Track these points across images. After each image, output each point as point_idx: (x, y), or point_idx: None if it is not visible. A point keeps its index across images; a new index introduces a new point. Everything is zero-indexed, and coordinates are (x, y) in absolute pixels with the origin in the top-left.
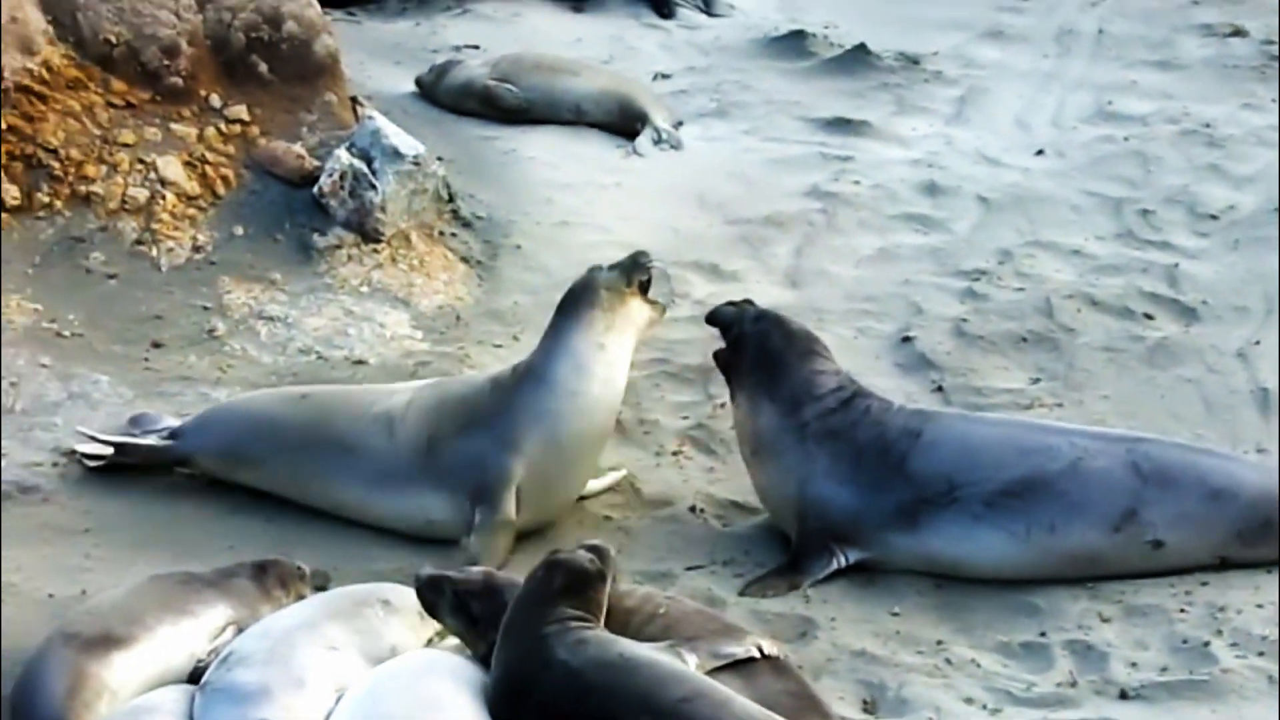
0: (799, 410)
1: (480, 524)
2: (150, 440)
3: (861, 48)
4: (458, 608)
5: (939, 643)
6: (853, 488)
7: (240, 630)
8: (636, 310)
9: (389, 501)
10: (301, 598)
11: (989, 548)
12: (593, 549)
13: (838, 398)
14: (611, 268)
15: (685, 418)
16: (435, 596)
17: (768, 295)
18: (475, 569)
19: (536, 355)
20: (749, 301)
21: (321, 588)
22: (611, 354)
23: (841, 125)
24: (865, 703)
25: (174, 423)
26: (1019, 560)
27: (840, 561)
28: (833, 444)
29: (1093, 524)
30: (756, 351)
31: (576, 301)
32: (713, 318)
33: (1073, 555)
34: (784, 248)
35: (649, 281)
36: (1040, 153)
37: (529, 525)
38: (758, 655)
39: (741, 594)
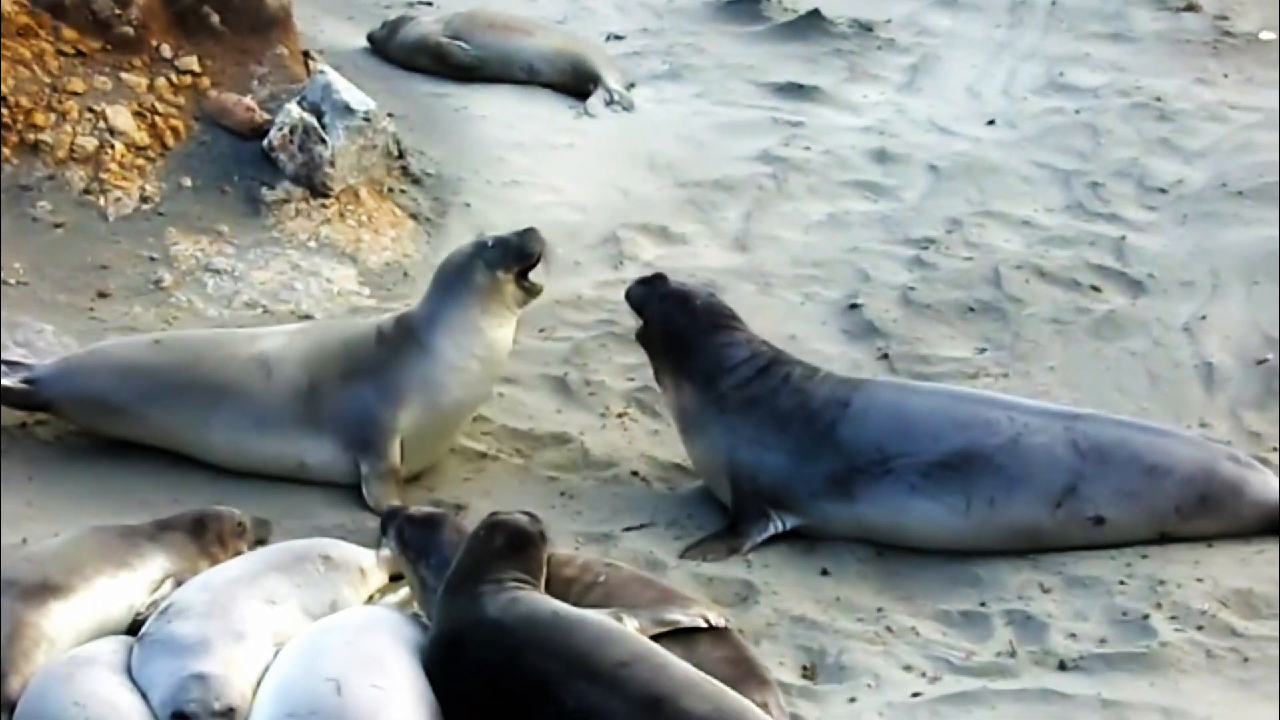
0: (715, 383)
1: (368, 474)
2: (9, 382)
3: (815, 13)
4: (399, 533)
5: (879, 610)
6: (779, 454)
7: (178, 583)
8: (512, 295)
9: (263, 444)
10: (239, 552)
11: (927, 519)
12: (527, 515)
13: (752, 366)
14: (494, 247)
15: (631, 379)
16: (387, 522)
17: (716, 259)
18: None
19: (420, 319)
20: (660, 277)
21: (262, 540)
22: (489, 334)
23: (793, 91)
24: (805, 668)
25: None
26: (959, 532)
27: (778, 526)
28: (754, 412)
29: (1033, 500)
30: (666, 330)
31: (454, 281)
32: (628, 297)
33: (1013, 529)
34: (733, 212)
35: (535, 261)
36: (991, 123)
37: (407, 474)
38: (703, 625)
39: (681, 557)
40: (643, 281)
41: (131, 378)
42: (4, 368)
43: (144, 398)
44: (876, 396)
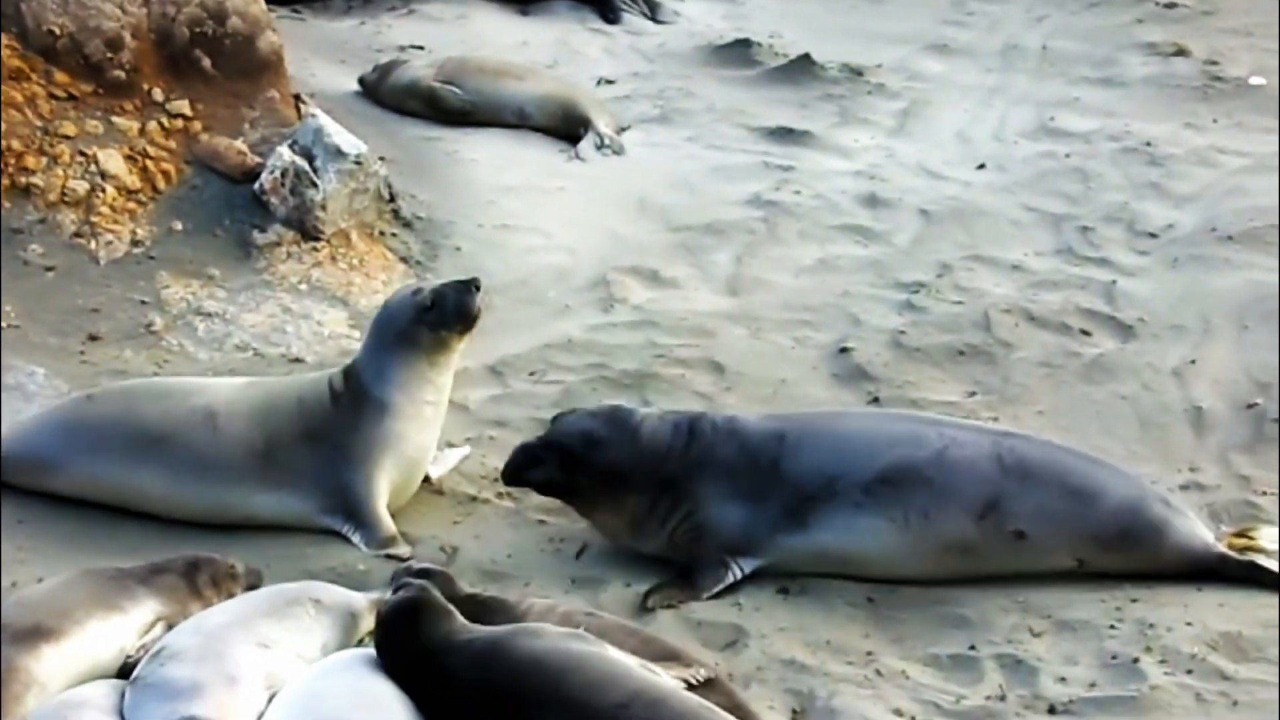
0: (659, 477)
1: (369, 546)
2: None
3: (806, 58)
4: (394, 581)
5: (869, 653)
6: (735, 503)
7: (170, 627)
8: (456, 344)
9: (206, 493)
10: (232, 596)
11: (872, 536)
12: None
13: (679, 438)
14: (434, 308)
15: None
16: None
17: (706, 303)
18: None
19: (370, 377)
20: (524, 450)
21: (254, 586)
22: (437, 381)
23: (784, 135)
24: (795, 712)
25: None
26: (901, 549)
27: (736, 573)
28: (700, 474)
29: (961, 510)
30: (595, 476)
31: (399, 340)
32: (516, 479)
33: (947, 543)
34: (724, 255)
35: (475, 321)
36: (982, 167)
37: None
38: (694, 683)
39: (643, 607)
40: (526, 464)
41: (69, 434)
42: None
43: (81, 452)
44: (809, 425)
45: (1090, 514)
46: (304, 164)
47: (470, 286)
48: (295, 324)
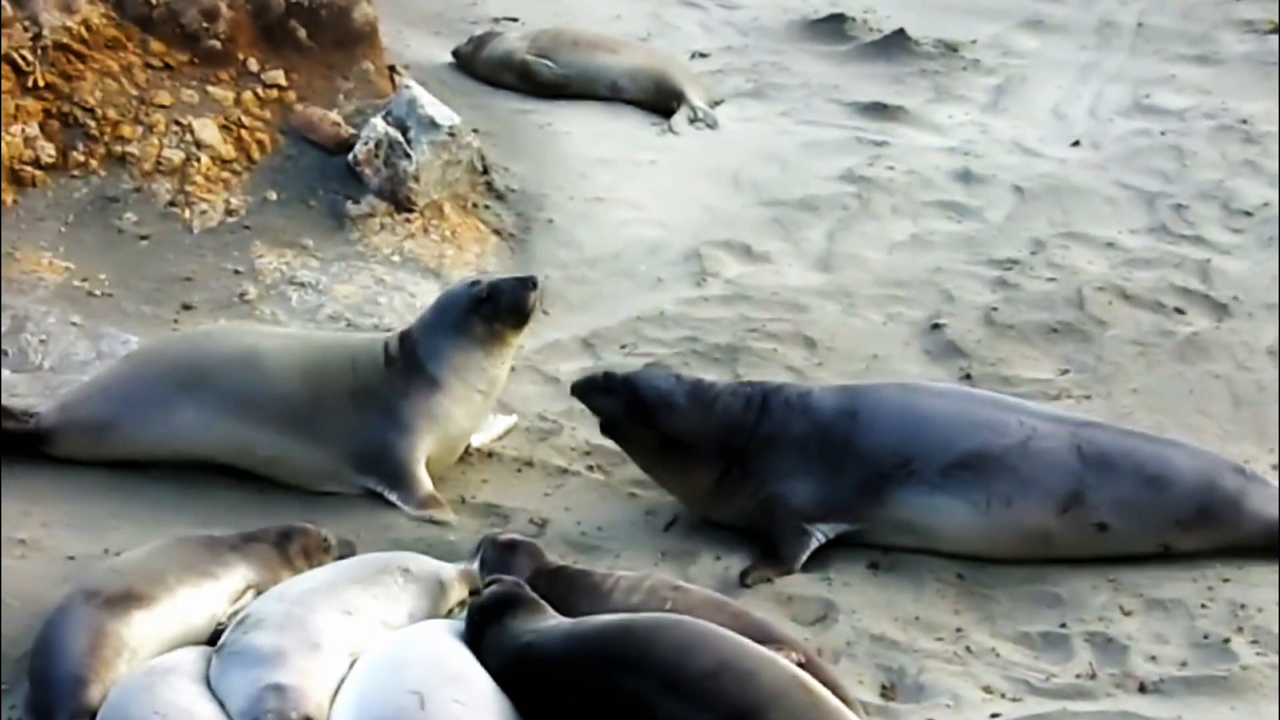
0: (730, 447)
1: (409, 507)
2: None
3: (900, 33)
4: (481, 553)
5: (959, 630)
6: (807, 478)
7: (260, 594)
8: (512, 337)
9: (241, 431)
10: (321, 564)
11: (951, 517)
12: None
13: (751, 413)
14: (490, 300)
15: None
16: (482, 543)
17: (799, 278)
18: None
19: (427, 353)
20: (609, 378)
21: (345, 557)
22: (492, 372)
23: (878, 110)
24: (884, 688)
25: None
26: (980, 532)
27: (819, 538)
28: (772, 449)
29: (1043, 501)
30: (657, 435)
31: (456, 327)
32: (586, 400)
33: (1026, 531)
34: (816, 231)
35: (529, 317)
36: (1076, 144)
37: None
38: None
39: (743, 584)
40: (599, 389)
41: (118, 391)
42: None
43: (133, 405)
44: (883, 402)
45: (1169, 499)
46: (398, 135)
47: (527, 284)
48: (388, 295)
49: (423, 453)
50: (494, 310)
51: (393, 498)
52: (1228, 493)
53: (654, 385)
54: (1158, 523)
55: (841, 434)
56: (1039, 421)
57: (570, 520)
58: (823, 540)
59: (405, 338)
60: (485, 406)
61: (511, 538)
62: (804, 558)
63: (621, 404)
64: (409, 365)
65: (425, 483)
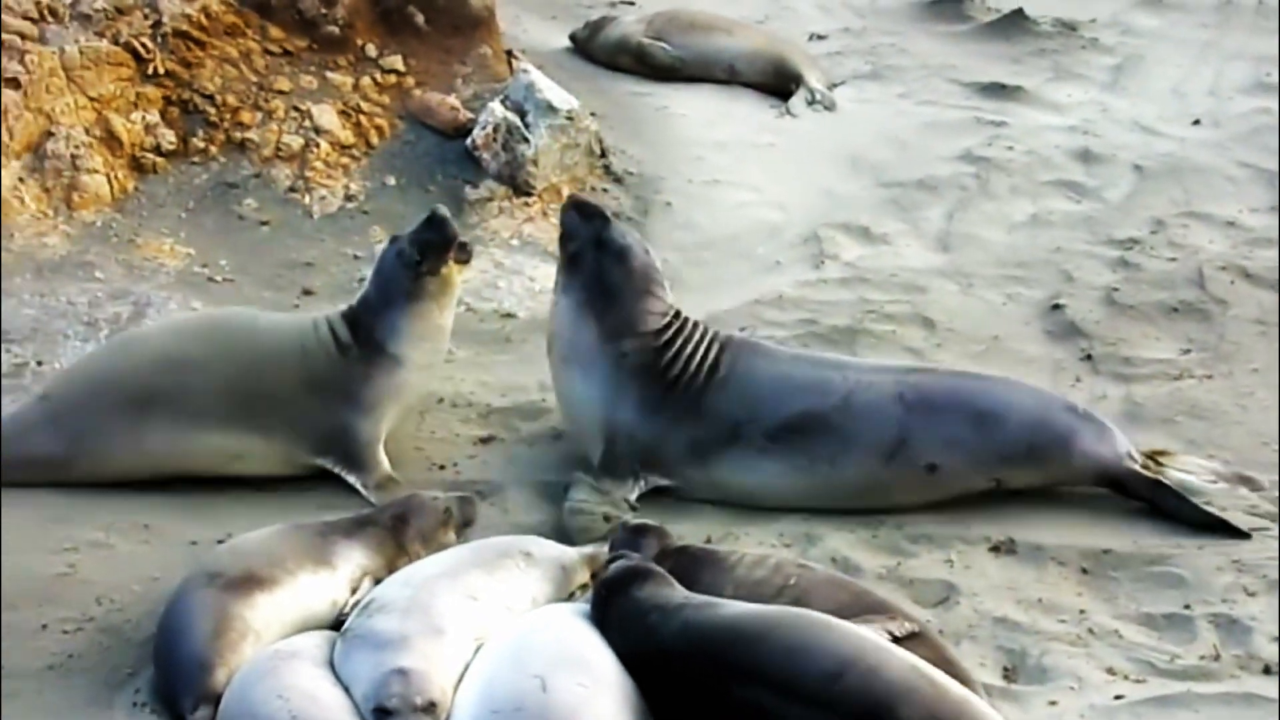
0: (620, 339)
1: (365, 487)
2: None
3: (1019, 13)
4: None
5: (1081, 612)
6: (658, 419)
7: (376, 580)
8: (456, 276)
9: (198, 441)
10: (443, 543)
11: (777, 479)
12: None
13: (660, 335)
14: (422, 251)
15: None
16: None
17: (918, 259)
18: None
19: (384, 332)
20: (602, 216)
21: (469, 521)
22: (447, 324)
23: (996, 90)
24: (1006, 670)
25: None
26: (807, 490)
27: (643, 485)
28: (644, 377)
29: (867, 453)
30: (593, 274)
31: (407, 294)
32: (562, 224)
33: (856, 483)
34: (935, 211)
35: (456, 241)
36: (1197, 123)
37: None
38: (889, 635)
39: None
40: (582, 213)
41: (70, 423)
42: None
43: (85, 435)
44: (742, 364)
45: (996, 435)
46: (516, 120)
47: (434, 218)
48: (507, 279)
49: (384, 432)
50: (434, 254)
51: (351, 479)
52: (1058, 430)
53: (625, 238)
54: (986, 459)
55: (697, 389)
56: (863, 374)
57: (693, 502)
58: (644, 489)
59: (353, 320)
60: (437, 363)
61: (640, 521)
62: (630, 498)
63: (592, 238)
64: (367, 349)
65: (383, 463)
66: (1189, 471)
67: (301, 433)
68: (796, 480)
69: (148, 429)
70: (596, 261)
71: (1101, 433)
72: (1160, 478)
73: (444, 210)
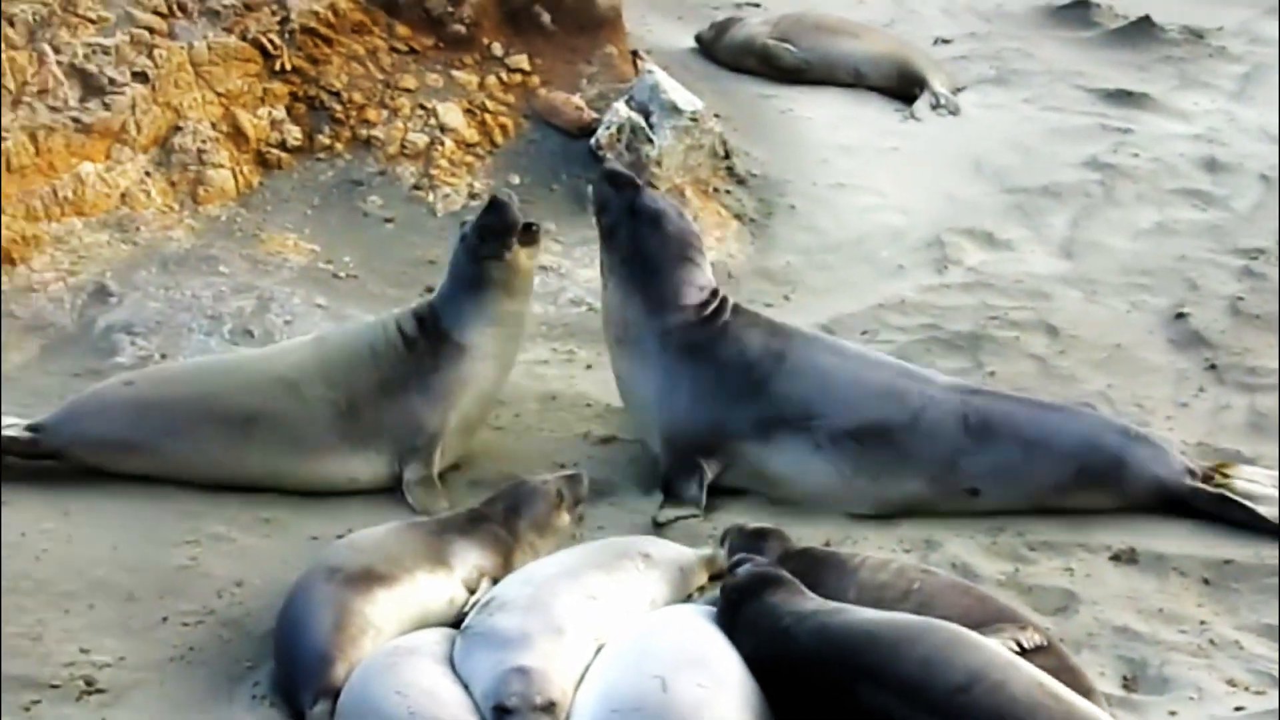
0: (664, 315)
1: (411, 480)
2: (12, 432)
3: (1146, 20)
4: (730, 540)
5: (1202, 623)
6: (713, 402)
7: (495, 578)
8: (525, 261)
9: (306, 466)
10: (557, 530)
11: (817, 478)
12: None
13: (700, 312)
14: (487, 239)
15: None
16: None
17: (1042, 265)
18: None
19: (452, 322)
20: (633, 184)
21: (580, 499)
22: (518, 312)
23: (1122, 97)
24: (1125, 680)
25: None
26: (841, 496)
27: (708, 475)
28: (694, 359)
29: (917, 474)
30: (630, 245)
31: (474, 282)
32: (595, 196)
33: (891, 500)
34: (1060, 218)
35: (519, 225)
36: None
37: (452, 460)
38: (1015, 648)
39: (659, 526)
40: (614, 182)
41: (153, 415)
42: (3, 419)
43: (167, 432)
44: (810, 356)
45: (1043, 463)
46: (640, 120)
47: (495, 204)
48: None
49: (452, 423)
50: (496, 240)
51: (406, 473)
52: (1109, 454)
53: (657, 203)
54: (1029, 488)
55: (763, 372)
56: (933, 390)
57: (811, 506)
58: (708, 479)
59: (421, 315)
60: (514, 354)
61: (759, 526)
62: (699, 495)
63: (625, 205)
64: (434, 340)
65: (435, 458)
66: (1255, 481)
67: (388, 440)
68: (836, 485)
69: (248, 448)
70: (632, 231)
71: (1156, 454)
72: (1225, 491)
73: (506, 194)
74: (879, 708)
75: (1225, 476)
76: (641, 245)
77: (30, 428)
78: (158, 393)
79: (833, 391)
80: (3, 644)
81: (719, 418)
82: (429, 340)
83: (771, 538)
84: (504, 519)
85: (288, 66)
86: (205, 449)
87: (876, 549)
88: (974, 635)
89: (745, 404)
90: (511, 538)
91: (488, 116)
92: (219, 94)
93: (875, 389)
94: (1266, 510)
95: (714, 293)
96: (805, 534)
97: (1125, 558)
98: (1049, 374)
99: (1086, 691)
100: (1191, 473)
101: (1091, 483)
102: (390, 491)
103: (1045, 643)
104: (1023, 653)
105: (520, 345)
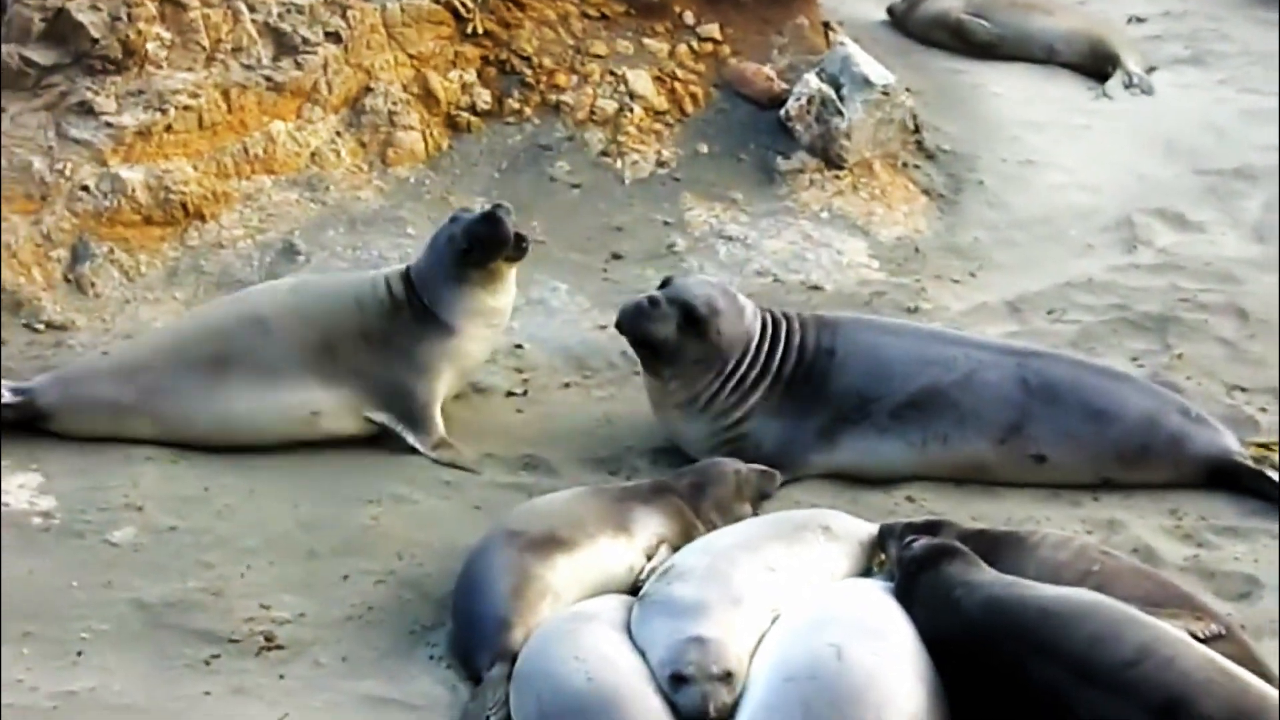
0: (740, 363)
1: (425, 448)
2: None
3: None
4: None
5: None
6: (782, 420)
7: (674, 547)
8: (506, 268)
9: (274, 397)
10: (737, 516)
11: (888, 458)
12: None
13: (760, 345)
14: (473, 248)
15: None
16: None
17: (1233, 249)
18: None
19: (435, 298)
20: (654, 300)
21: (766, 494)
22: (499, 305)
23: None
24: None
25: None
26: (912, 467)
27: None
28: (760, 384)
29: (980, 434)
30: (699, 341)
31: (455, 275)
32: (635, 330)
33: (960, 464)
34: (1253, 201)
35: (512, 244)
36: None
37: None
38: (1203, 638)
39: None
40: (645, 314)
41: (134, 374)
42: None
43: (153, 391)
44: (856, 340)
45: (1110, 434)
46: (830, 92)
47: (493, 217)
48: (815, 252)
49: (440, 394)
50: (482, 250)
51: (409, 438)
52: (1171, 432)
53: (698, 294)
54: (1097, 457)
55: (820, 374)
56: (984, 353)
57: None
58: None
59: (408, 281)
60: (495, 337)
61: (929, 518)
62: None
63: (674, 325)
64: (419, 311)
65: (439, 424)
66: None
67: (364, 386)
68: (909, 456)
69: (224, 389)
70: (679, 341)
71: (1214, 436)
72: (1264, 469)
73: (505, 209)
74: (1048, 682)
75: (1269, 450)
76: (691, 347)
77: (18, 392)
78: (134, 350)
79: (885, 370)
80: (186, 598)
81: (787, 435)
82: (415, 309)
83: (944, 525)
84: (689, 493)
85: (479, 30)
86: (182, 397)
87: (1059, 530)
88: (1146, 615)
89: (810, 415)
90: (694, 512)
91: (677, 85)
92: (410, 56)
93: (922, 357)
94: None
95: (767, 319)
96: (988, 512)
97: None
98: (1238, 358)
99: (1268, 679)
100: (1241, 453)
101: (1151, 460)
102: (573, 453)
103: (1223, 631)
104: (1200, 642)
105: (499, 336)
